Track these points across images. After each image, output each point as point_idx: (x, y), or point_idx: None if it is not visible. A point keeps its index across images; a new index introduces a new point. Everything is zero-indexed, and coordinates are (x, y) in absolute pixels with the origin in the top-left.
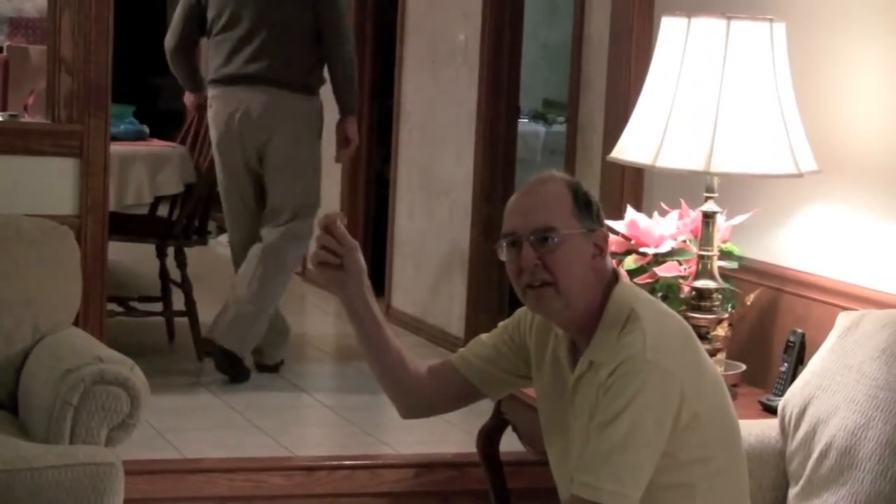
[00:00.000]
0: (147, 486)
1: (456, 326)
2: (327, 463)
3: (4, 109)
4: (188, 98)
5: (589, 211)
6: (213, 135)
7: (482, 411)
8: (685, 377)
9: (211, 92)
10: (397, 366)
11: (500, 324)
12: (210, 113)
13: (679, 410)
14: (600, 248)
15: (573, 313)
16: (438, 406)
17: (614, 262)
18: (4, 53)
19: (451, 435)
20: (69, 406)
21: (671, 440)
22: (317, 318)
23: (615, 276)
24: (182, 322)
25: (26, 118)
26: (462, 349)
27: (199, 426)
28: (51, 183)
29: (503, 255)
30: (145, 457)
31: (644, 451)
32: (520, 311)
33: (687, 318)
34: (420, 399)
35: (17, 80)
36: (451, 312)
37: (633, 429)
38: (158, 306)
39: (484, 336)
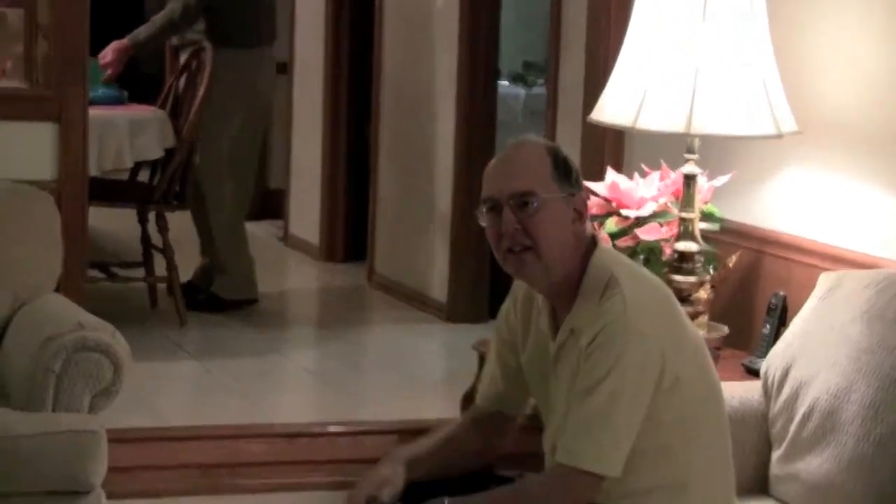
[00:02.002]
0: (130, 454)
1: (438, 290)
2: (309, 430)
3: None
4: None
5: (568, 175)
6: (246, 92)
7: (464, 376)
8: (666, 341)
9: (258, 52)
10: (453, 461)
11: (493, 333)
12: (245, 70)
13: (661, 374)
14: (580, 213)
15: (553, 278)
16: (500, 450)
17: (595, 224)
18: None
19: (433, 400)
20: (51, 373)
21: (653, 403)
22: (297, 282)
23: (594, 242)
24: (163, 287)
25: (3, 83)
26: (477, 388)
27: (181, 393)
28: (30, 148)
29: (483, 221)
30: (125, 423)
31: (626, 416)
32: (503, 307)
33: (669, 281)
34: (485, 457)
35: None
36: (433, 276)
37: (615, 395)
38: (140, 272)
39: (487, 365)
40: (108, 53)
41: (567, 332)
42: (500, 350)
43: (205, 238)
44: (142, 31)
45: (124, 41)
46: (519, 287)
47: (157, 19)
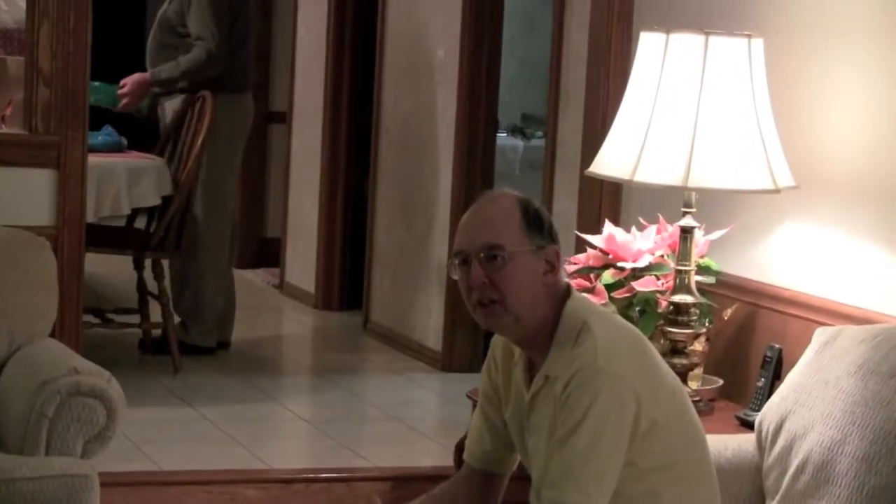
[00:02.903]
0: (123, 499)
1: (433, 340)
2: (304, 476)
3: None
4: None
5: (540, 227)
6: (243, 137)
7: (458, 424)
8: (639, 383)
9: (245, 97)
10: None
11: (479, 390)
12: (238, 118)
13: (637, 417)
14: (552, 265)
15: (524, 330)
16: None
17: (592, 276)
18: None
19: (427, 448)
20: (45, 418)
21: (631, 449)
22: (293, 329)
23: (568, 291)
24: (158, 334)
25: (3, 129)
26: (466, 446)
27: (176, 438)
28: (28, 194)
29: (454, 274)
30: (121, 469)
31: (606, 459)
32: (486, 363)
33: (664, 333)
34: None
35: None
36: (429, 326)
37: (593, 438)
38: (135, 318)
39: (473, 419)
40: (128, 83)
41: (542, 380)
42: (483, 407)
43: (184, 283)
44: (164, 70)
45: (146, 75)
46: (497, 341)
47: (182, 63)
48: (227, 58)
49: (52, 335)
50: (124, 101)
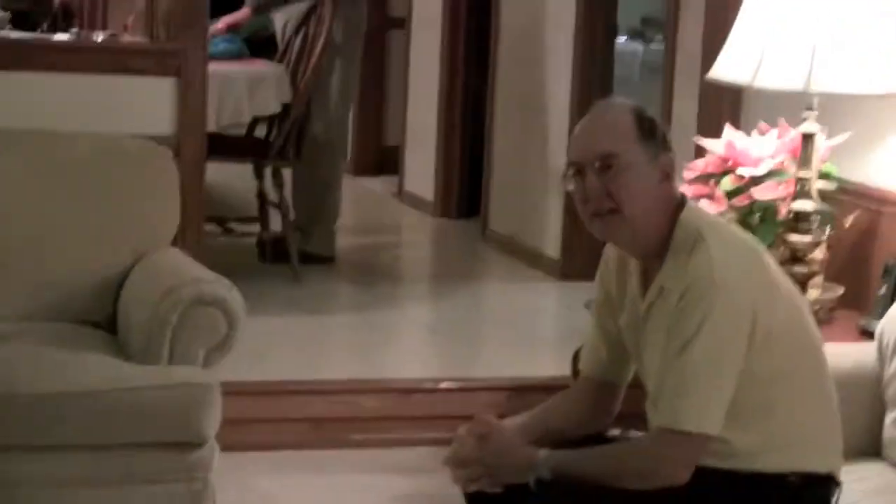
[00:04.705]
0: (244, 407)
1: (552, 247)
2: (422, 386)
3: (105, 29)
4: None
5: (654, 136)
6: (359, 42)
7: (576, 333)
8: (756, 294)
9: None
10: (562, 430)
11: (593, 299)
12: (352, 26)
13: (752, 327)
14: (666, 173)
15: (640, 240)
16: (609, 417)
17: (711, 182)
18: None
19: (544, 357)
20: (168, 326)
21: (747, 358)
22: (411, 237)
23: (683, 201)
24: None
25: (126, 38)
26: (582, 357)
27: (295, 347)
28: (150, 102)
29: (569, 185)
30: (241, 378)
31: (722, 370)
32: (598, 271)
33: (784, 241)
34: (595, 425)
35: (117, 0)
36: (547, 234)
37: (708, 350)
38: (256, 227)
39: (589, 329)
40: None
41: (656, 292)
42: (599, 315)
43: (306, 191)
44: None
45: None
46: (610, 249)
47: None
48: None
49: (174, 244)
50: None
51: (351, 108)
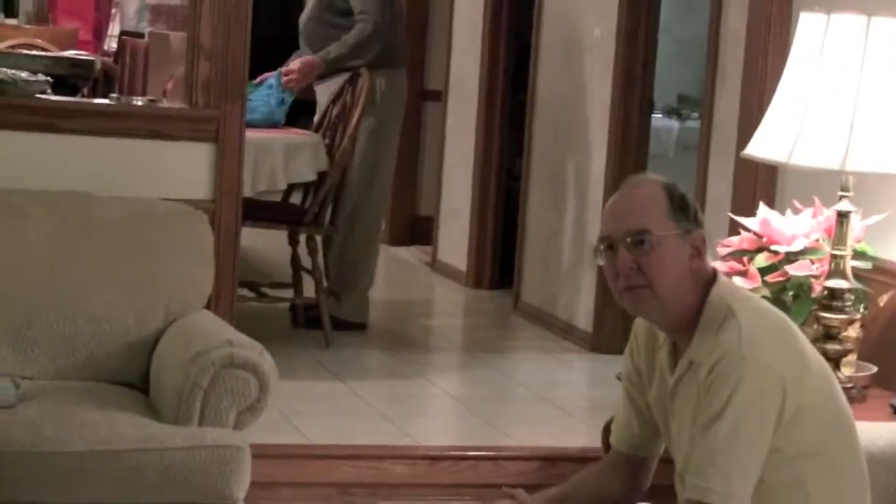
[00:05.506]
0: (273, 470)
1: (584, 321)
2: (451, 453)
3: (144, 94)
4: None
5: (685, 212)
6: (401, 112)
7: (607, 405)
8: (786, 370)
9: (402, 73)
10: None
11: (622, 373)
12: (397, 95)
13: (782, 404)
14: (698, 249)
15: (671, 314)
16: (640, 492)
17: (745, 260)
18: (146, 39)
19: (575, 429)
20: (199, 388)
21: (776, 435)
22: (443, 307)
23: (714, 277)
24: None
25: (165, 103)
26: (613, 430)
27: (325, 412)
28: (187, 167)
29: (600, 259)
30: (271, 441)
31: (750, 446)
32: (628, 346)
33: (818, 318)
34: (625, 500)
35: (157, 66)
36: (579, 307)
37: (736, 426)
38: (289, 292)
39: (619, 403)
40: (297, 65)
41: (686, 366)
42: (628, 390)
43: (340, 258)
44: (332, 50)
45: (315, 58)
46: (640, 324)
47: (349, 39)
48: (390, 30)
49: (208, 307)
50: (291, 80)
51: (390, 177)
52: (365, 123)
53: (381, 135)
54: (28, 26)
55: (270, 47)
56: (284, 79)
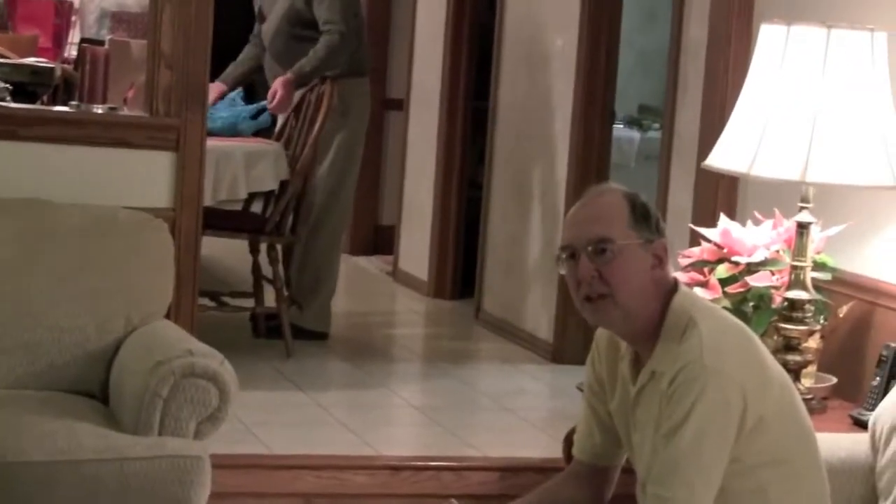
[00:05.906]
0: (233, 481)
1: (545, 331)
2: (413, 463)
3: (105, 102)
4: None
5: (647, 221)
6: (365, 121)
7: (568, 416)
8: (747, 380)
9: (366, 81)
10: None
11: (584, 384)
12: (364, 103)
13: (743, 414)
14: (660, 259)
15: (632, 324)
16: (602, 501)
17: (706, 270)
18: (106, 47)
19: (537, 439)
20: (159, 398)
21: (737, 445)
22: (405, 317)
23: (675, 286)
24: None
25: (125, 111)
26: (575, 441)
27: (287, 422)
28: (147, 176)
29: (562, 268)
30: (232, 451)
31: (711, 455)
32: (589, 356)
33: (778, 329)
34: None
35: (117, 74)
36: (541, 317)
37: (698, 435)
38: (250, 302)
39: (581, 413)
40: (277, 89)
41: (648, 375)
42: (590, 400)
43: (302, 267)
44: (305, 64)
45: (287, 76)
46: (601, 334)
47: (319, 51)
48: (356, 38)
49: (168, 316)
50: (281, 102)
51: (353, 185)
52: (335, 132)
53: (350, 143)
54: None
55: (231, 50)
56: (273, 103)
